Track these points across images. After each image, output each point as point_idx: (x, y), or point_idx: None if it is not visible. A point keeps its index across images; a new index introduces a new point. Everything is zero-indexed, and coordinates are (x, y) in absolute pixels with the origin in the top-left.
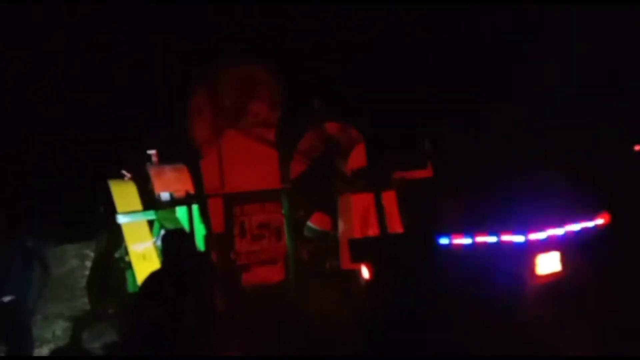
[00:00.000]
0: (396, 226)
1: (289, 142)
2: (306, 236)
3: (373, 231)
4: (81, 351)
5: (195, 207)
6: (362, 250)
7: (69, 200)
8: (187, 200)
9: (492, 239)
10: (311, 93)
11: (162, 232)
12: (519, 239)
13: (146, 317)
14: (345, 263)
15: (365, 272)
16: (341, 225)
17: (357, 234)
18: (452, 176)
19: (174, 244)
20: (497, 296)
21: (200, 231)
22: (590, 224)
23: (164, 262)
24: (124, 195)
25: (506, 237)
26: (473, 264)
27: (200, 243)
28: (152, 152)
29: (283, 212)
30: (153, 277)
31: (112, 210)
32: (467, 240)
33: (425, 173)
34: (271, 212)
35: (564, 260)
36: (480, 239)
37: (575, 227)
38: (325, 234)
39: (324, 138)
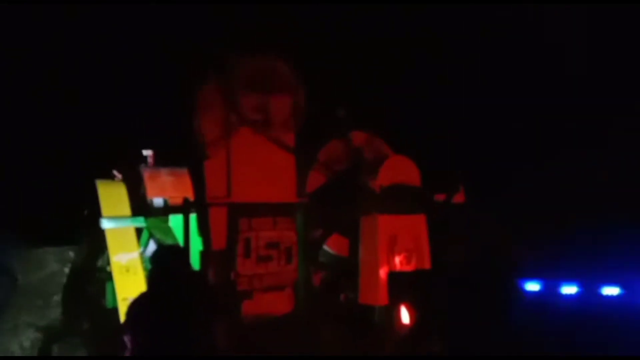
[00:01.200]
0: (424, 258)
1: (309, 150)
2: (321, 261)
3: (400, 261)
4: None
5: (193, 217)
6: (404, 287)
7: (52, 200)
8: (184, 208)
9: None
10: (338, 98)
11: (151, 243)
12: None
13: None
14: (365, 297)
15: (405, 316)
16: (362, 251)
17: (382, 263)
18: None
19: (167, 263)
20: None
21: (196, 246)
22: None
23: (153, 284)
24: (112, 197)
25: None
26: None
27: (195, 260)
28: (148, 152)
29: (297, 230)
30: (141, 303)
31: (97, 214)
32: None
33: (458, 197)
34: (283, 230)
35: None
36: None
37: None
38: (342, 260)
39: (348, 149)
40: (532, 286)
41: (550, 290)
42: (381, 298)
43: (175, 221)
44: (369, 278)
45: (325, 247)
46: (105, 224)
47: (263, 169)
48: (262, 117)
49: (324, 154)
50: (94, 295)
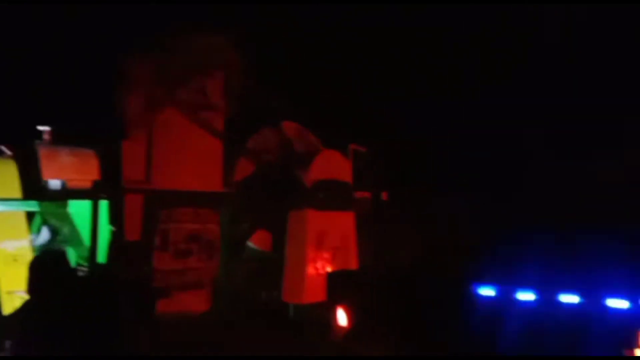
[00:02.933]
0: (351, 257)
1: (238, 137)
2: (244, 257)
3: (327, 260)
4: None
5: (103, 204)
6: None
7: None
8: (93, 193)
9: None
10: (273, 86)
11: (44, 230)
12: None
13: None
14: (289, 294)
15: (341, 317)
16: (289, 247)
17: (308, 260)
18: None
19: (50, 269)
20: None
21: (105, 236)
22: None
23: (39, 294)
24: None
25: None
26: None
27: (102, 253)
28: (44, 128)
29: (220, 223)
30: (29, 316)
31: None
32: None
33: (384, 195)
34: (205, 222)
35: None
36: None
37: None
38: (264, 256)
39: (279, 139)
40: (487, 291)
41: (505, 295)
42: (306, 296)
43: (76, 207)
44: (294, 275)
45: (249, 243)
46: None
47: (187, 153)
48: (191, 97)
49: (254, 141)
50: None
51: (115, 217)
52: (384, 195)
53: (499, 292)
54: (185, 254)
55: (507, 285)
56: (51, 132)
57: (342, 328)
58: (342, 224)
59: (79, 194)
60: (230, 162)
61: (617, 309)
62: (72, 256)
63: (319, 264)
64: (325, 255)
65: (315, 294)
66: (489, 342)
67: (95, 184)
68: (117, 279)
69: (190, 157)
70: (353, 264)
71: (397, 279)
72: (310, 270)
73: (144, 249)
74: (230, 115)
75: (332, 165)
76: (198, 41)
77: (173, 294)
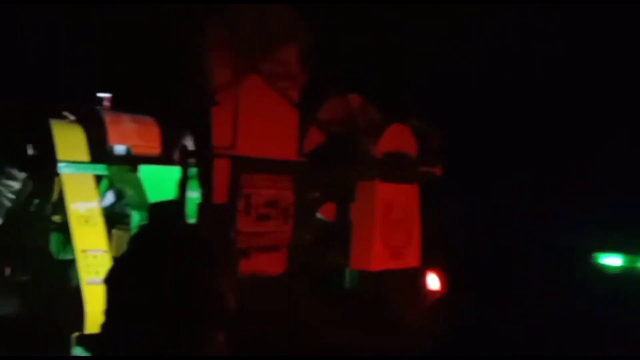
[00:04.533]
0: (414, 229)
1: (309, 108)
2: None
3: (393, 230)
4: None
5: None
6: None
7: None
8: (181, 158)
9: None
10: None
11: (109, 194)
12: None
13: (130, 320)
14: (357, 262)
15: (433, 281)
16: (356, 216)
17: (376, 230)
18: None
19: (163, 217)
20: None
21: (192, 200)
22: None
23: (145, 242)
24: (69, 140)
25: None
26: None
27: (191, 215)
28: (104, 95)
29: (294, 190)
30: (131, 263)
31: (46, 155)
32: None
33: (438, 171)
34: (282, 189)
35: None
36: None
37: None
38: (328, 224)
39: (345, 111)
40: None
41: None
42: (374, 264)
43: (146, 172)
44: (362, 243)
45: (319, 215)
46: (64, 169)
47: (268, 121)
48: (272, 67)
49: (323, 112)
50: (32, 244)
51: (206, 181)
52: (438, 171)
53: (624, 261)
54: (265, 218)
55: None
56: (110, 99)
57: (434, 292)
58: (407, 197)
59: (150, 160)
60: (303, 133)
61: None
62: (136, 219)
63: (386, 234)
64: (392, 225)
65: (382, 261)
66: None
67: (182, 148)
68: (206, 239)
69: (270, 125)
70: (417, 236)
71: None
72: (378, 239)
73: (229, 212)
74: (304, 85)
75: (401, 139)
76: (278, 11)
77: (253, 255)
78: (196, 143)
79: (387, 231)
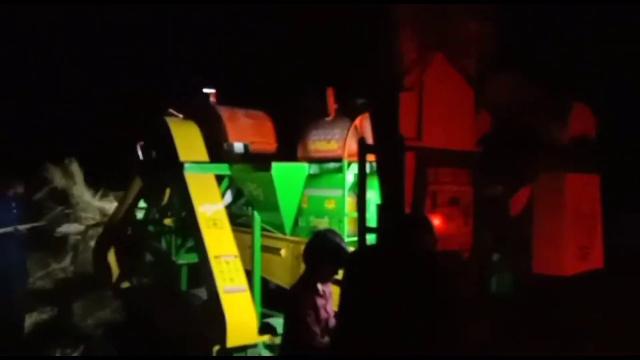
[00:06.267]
0: (597, 224)
1: (479, 87)
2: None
3: (584, 226)
4: (72, 326)
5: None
6: None
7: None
8: (360, 153)
9: None
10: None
11: (228, 194)
12: None
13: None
14: (544, 266)
15: None
16: (539, 214)
17: (568, 228)
18: None
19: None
20: None
21: (371, 200)
22: None
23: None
24: (187, 139)
25: None
26: None
27: (372, 218)
28: (209, 91)
29: (474, 185)
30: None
31: (167, 157)
32: None
33: None
34: (463, 184)
35: None
36: None
37: None
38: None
39: (512, 90)
40: None
41: None
42: (568, 267)
43: (280, 171)
44: (550, 245)
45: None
46: (189, 170)
47: (450, 106)
48: (455, 42)
49: (491, 89)
50: (142, 249)
51: (388, 180)
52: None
53: None
54: (450, 218)
55: None
56: (216, 95)
57: None
58: (590, 188)
59: (273, 157)
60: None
61: None
62: (257, 221)
63: (576, 232)
64: (580, 222)
65: (575, 264)
66: None
67: (360, 141)
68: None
69: (451, 111)
70: (600, 234)
71: None
72: (570, 238)
73: (418, 213)
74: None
75: (585, 121)
76: None
77: None
78: (379, 135)
79: (576, 229)
